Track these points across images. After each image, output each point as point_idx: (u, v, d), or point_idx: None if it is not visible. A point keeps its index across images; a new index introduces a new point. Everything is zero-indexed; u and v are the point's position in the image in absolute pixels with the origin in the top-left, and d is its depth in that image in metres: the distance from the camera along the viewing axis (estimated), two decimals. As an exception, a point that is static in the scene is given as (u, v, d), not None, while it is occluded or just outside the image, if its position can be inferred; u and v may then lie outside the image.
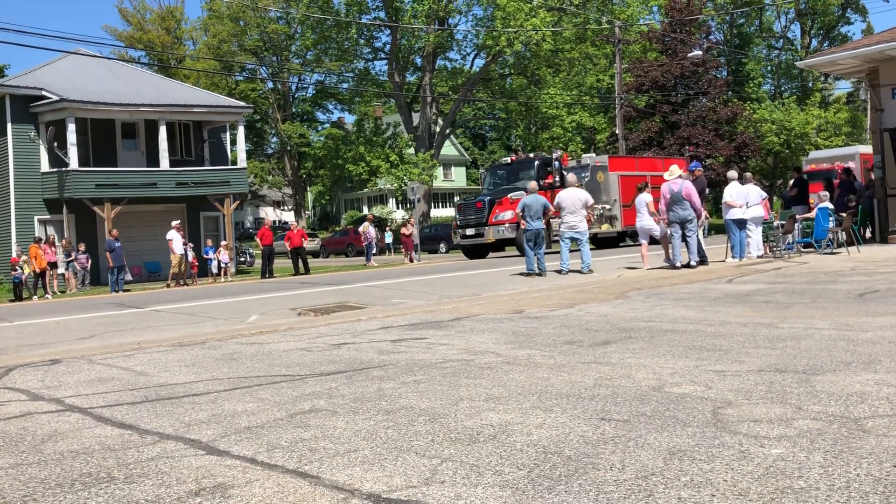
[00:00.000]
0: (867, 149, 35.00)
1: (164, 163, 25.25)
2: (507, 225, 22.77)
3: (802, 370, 4.40)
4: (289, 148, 57.31)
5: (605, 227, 25.50)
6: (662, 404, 3.69)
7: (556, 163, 23.39)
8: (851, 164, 31.35)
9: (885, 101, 16.00)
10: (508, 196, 22.92)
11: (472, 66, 47.86)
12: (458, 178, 67.25)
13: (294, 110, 61.51)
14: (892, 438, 2.93)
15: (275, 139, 60.90)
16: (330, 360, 5.72)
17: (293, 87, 59.78)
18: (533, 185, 15.34)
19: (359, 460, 3.01)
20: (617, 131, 37.00)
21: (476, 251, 24.74)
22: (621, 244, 27.68)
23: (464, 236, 24.51)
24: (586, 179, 24.02)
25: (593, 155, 28.29)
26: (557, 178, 22.61)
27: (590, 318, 7.63)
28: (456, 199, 54.90)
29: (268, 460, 3.07)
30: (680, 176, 13.61)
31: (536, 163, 24.35)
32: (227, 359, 6.09)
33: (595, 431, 3.24)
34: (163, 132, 25.24)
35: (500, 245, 24.47)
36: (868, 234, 17.07)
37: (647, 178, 23.45)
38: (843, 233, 14.62)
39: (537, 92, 45.60)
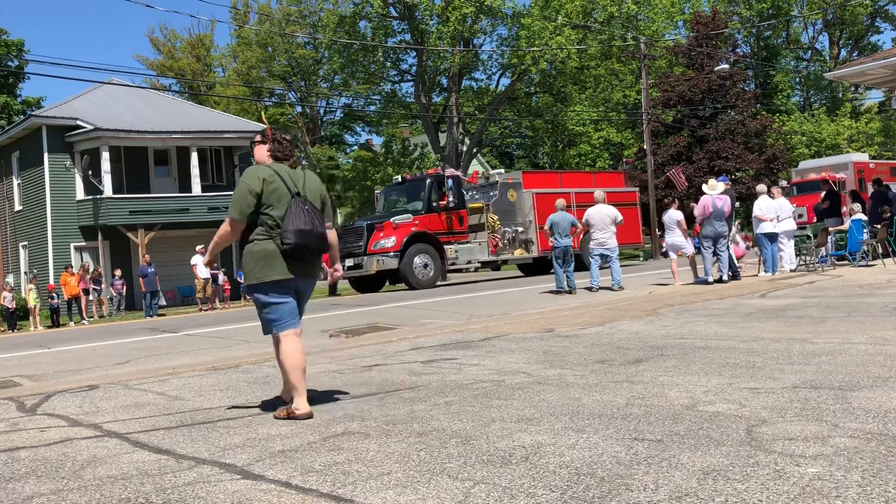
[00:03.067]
0: (861, 157, 34.32)
1: (196, 188, 25.64)
2: (391, 254, 19.53)
3: (838, 386, 4.35)
4: (318, 171, 57.86)
5: (517, 253, 22.24)
6: (696, 423, 3.66)
7: (450, 181, 20.70)
8: (844, 174, 30.79)
9: (918, 111, 15.76)
10: (392, 220, 20.09)
11: (497, 85, 48.06)
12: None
13: (322, 133, 62.19)
14: (932, 456, 2.88)
15: (304, 162, 61.58)
16: (362, 382, 5.76)
17: (321, 111, 60.45)
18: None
19: (392, 483, 3.03)
20: (645, 146, 36.82)
21: (366, 284, 21.08)
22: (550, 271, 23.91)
23: (346, 268, 20.55)
24: (494, 198, 21.77)
25: (502, 171, 25.55)
26: (452, 199, 20.44)
27: (621, 336, 7.60)
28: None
29: (302, 484, 3.10)
30: (725, 192, 13.44)
31: (428, 182, 21.05)
32: (261, 382, 6.15)
33: (628, 452, 3.22)
34: (194, 158, 25.66)
35: (394, 277, 20.43)
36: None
37: (570, 195, 21.82)
38: (878, 245, 14.40)
39: (563, 109, 45.64)
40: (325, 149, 59.19)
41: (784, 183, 33.44)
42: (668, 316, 9.36)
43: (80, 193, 25.21)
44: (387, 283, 21.47)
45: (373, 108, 54.86)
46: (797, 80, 55.60)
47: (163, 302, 22.77)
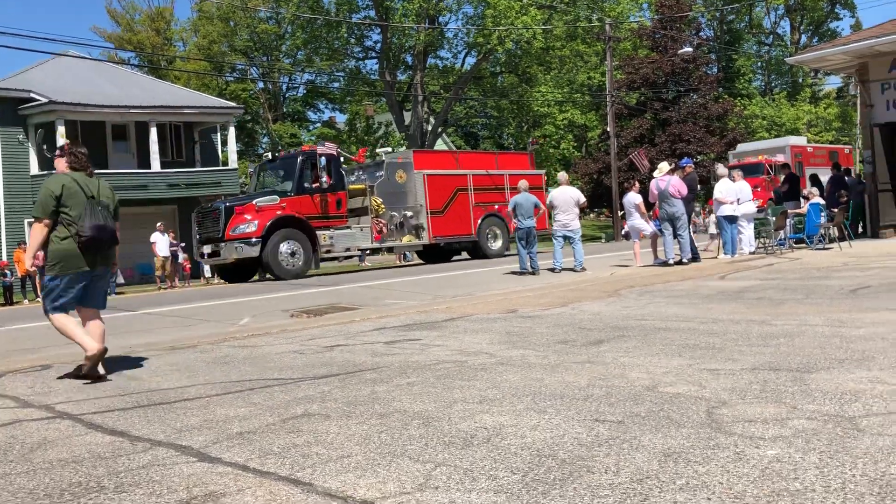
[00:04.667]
0: (799, 140, 34.77)
1: (155, 164, 25.17)
2: (252, 240, 17.32)
3: (796, 368, 4.40)
4: (280, 148, 57.19)
5: (406, 240, 20.47)
6: (657, 405, 3.67)
7: (322, 159, 18.62)
8: (781, 157, 31.15)
9: (875, 97, 16.06)
10: (254, 202, 18.04)
11: (463, 64, 47.84)
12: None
13: (285, 110, 61.39)
14: (887, 437, 2.92)
15: (266, 139, 60.77)
16: (323, 362, 5.69)
17: (284, 87, 59.65)
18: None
19: (352, 466, 2.98)
20: (608, 129, 37.01)
21: (235, 272, 18.95)
22: (452, 258, 22.48)
23: (201, 255, 19.04)
24: (381, 179, 20.04)
25: (389, 149, 22.73)
26: (326, 179, 18.49)
27: (583, 316, 7.62)
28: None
29: (260, 467, 3.04)
30: (669, 172, 13.62)
31: (300, 160, 18.82)
32: (219, 362, 6.05)
33: (589, 433, 3.22)
34: (153, 134, 25.16)
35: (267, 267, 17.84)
36: (860, 230, 17.10)
37: (467, 177, 21.11)
38: (835, 228, 14.66)
39: (528, 90, 45.59)
40: (287, 126, 58.47)
41: (720, 167, 33.79)
42: (629, 297, 9.42)
43: (34, 168, 24.57)
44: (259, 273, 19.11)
45: (336, 84, 54.32)
46: (759, 64, 56.26)
47: (121, 280, 22.34)
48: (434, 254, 22.20)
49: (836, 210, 15.09)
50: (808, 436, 3.00)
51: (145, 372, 5.79)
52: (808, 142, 40.13)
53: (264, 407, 4.21)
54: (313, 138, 56.15)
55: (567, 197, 14.41)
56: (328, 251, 18.72)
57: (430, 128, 47.44)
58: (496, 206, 21.64)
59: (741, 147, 35.31)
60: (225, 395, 4.67)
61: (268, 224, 17.47)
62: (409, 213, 20.45)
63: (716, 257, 14.45)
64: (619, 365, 4.79)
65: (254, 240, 17.35)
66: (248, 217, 17.72)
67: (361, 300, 11.72)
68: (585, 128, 48.86)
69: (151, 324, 10.35)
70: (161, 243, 21.87)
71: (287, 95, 60.32)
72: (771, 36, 56.96)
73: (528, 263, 14.23)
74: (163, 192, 25.20)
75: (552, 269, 14.32)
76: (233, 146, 27.93)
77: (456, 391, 4.30)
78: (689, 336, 5.88)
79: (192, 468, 3.09)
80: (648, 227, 14.30)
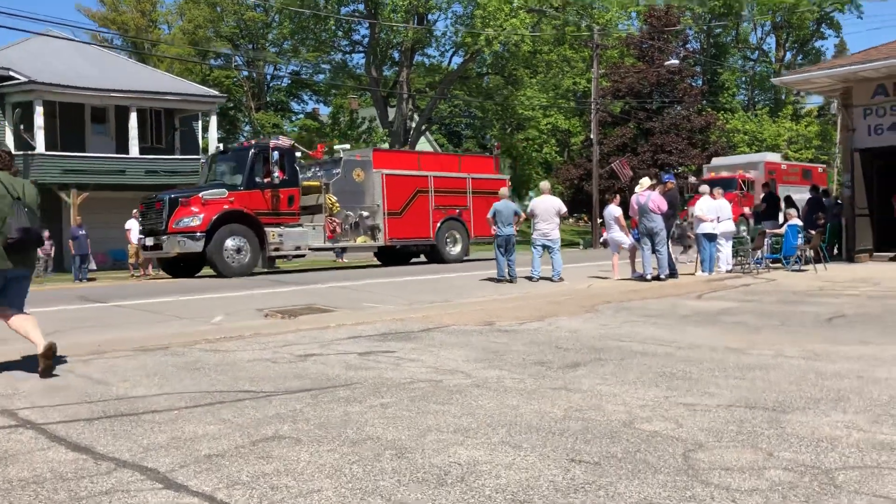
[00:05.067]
0: (774, 157, 35.02)
1: (134, 150, 24.85)
2: (196, 234, 16.80)
3: (772, 407, 4.38)
4: (262, 137, 56.75)
5: (360, 240, 19.82)
6: (633, 444, 3.64)
7: (276, 153, 17.99)
8: (755, 173, 31.38)
9: (857, 121, 16.20)
10: (201, 195, 17.48)
11: (450, 62, 47.79)
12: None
13: (268, 99, 60.93)
14: (864, 497, 2.90)
15: (247, 127, 60.29)
16: (296, 374, 5.61)
17: (268, 76, 59.21)
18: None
19: (322, 502, 2.91)
20: (592, 136, 37.10)
21: (180, 267, 18.32)
22: (411, 260, 21.79)
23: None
24: (337, 177, 19.30)
25: (347, 146, 22.72)
26: (279, 174, 17.81)
27: (560, 333, 7.59)
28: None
29: (227, 499, 2.96)
30: (650, 187, 13.64)
31: (252, 153, 18.18)
32: (190, 368, 5.95)
33: (565, 476, 3.17)
34: (133, 119, 24.83)
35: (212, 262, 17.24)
36: (836, 251, 17.24)
37: (428, 178, 20.68)
38: (811, 250, 14.77)
39: (514, 92, 45.59)
40: (269, 115, 58.03)
41: (693, 179, 33.92)
42: (605, 313, 9.42)
43: (9, 148, 24.15)
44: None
45: (322, 76, 53.97)
46: (743, 79, 56.70)
47: (93, 266, 22.04)
48: (391, 255, 21.70)
49: (813, 232, 15.21)
50: (784, 490, 2.97)
51: (114, 375, 5.67)
52: (784, 159, 40.50)
53: (234, 425, 4.12)
54: (296, 129, 55.81)
55: (548, 206, 14.38)
56: (277, 249, 18.18)
57: (413, 125, 47.34)
58: (457, 210, 21.35)
59: (716, 161, 35.34)
60: (195, 407, 4.57)
61: (213, 218, 16.91)
62: (365, 214, 19.83)
63: (693, 274, 14.50)
64: (595, 394, 4.76)
65: (198, 234, 16.82)
66: (195, 210, 17.14)
67: (338, 302, 11.62)
68: (569, 133, 48.97)
69: (122, 318, 10.18)
70: (136, 230, 21.58)
71: (271, 85, 59.87)
72: (756, 51, 57.47)
73: (507, 271, 14.19)
74: (140, 179, 24.89)
75: (529, 278, 14.29)
76: (214, 135, 27.64)
77: (430, 417, 4.24)
78: (666, 362, 5.86)
79: (157, 497, 3.00)
80: (627, 241, 14.31)
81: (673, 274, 13.68)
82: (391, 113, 46.83)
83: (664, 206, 13.23)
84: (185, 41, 52.55)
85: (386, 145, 44.46)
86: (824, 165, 40.04)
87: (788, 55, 55.90)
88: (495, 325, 8.34)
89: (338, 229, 19.01)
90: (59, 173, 23.51)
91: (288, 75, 59.09)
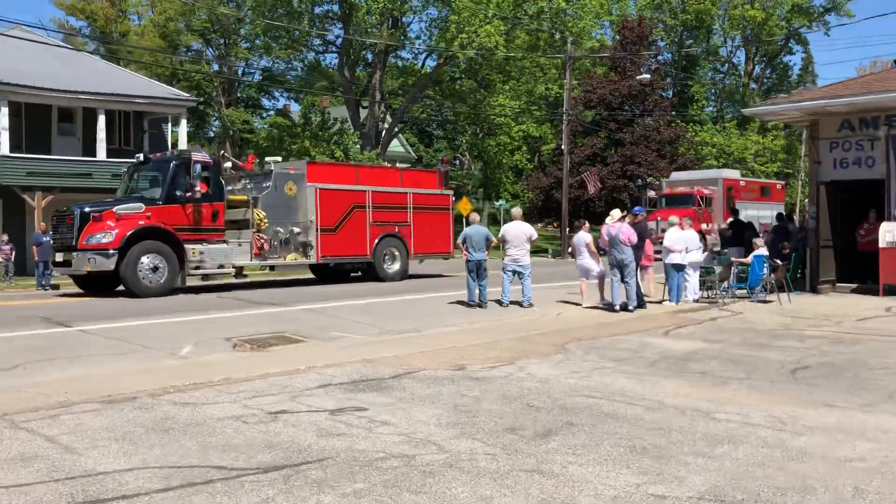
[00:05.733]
0: (732, 174, 35.58)
1: (101, 153, 24.46)
2: (109, 251, 15.95)
3: (741, 501, 4.45)
4: (231, 132, 56.22)
5: (291, 257, 19.02)
6: (606, 556, 3.67)
7: (198, 166, 17.13)
8: (713, 189, 31.84)
9: (823, 154, 16.50)
10: (115, 209, 16.55)
11: (423, 65, 47.74)
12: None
13: (239, 95, 60.36)
14: None
15: (217, 123, 59.70)
16: (266, 441, 5.57)
17: (239, 72, 58.59)
18: (474, 216, 15.35)
19: None
20: (563, 146, 37.30)
21: (94, 283, 17.30)
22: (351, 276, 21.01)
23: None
24: (267, 191, 18.51)
25: (279, 158, 21.73)
26: (201, 187, 17.02)
27: (531, 384, 7.63)
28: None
29: None
30: (621, 219, 13.79)
31: (172, 165, 17.26)
32: (160, 430, 5.88)
33: None
34: (101, 121, 24.46)
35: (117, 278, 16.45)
36: (799, 275, 17.52)
37: (366, 193, 19.97)
38: (776, 281, 15.01)
39: (486, 97, 45.67)
40: (240, 111, 57.51)
41: (652, 193, 34.26)
42: (575, 354, 9.50)
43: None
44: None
45: (294, 73, 53.57)
46: (713, 91, 57.43)
47: (56, 273, 21.61)
48: (327, 271, 20.93)
49: (779, 262, 15.46)
50: None
51: (82, 440, 5.58)
52: (751, 174, 41.08)
53: (206, 520, 4.08)
54: (266, 126, 55.38)
55: (519, 232, 14.45)
56: (197, 267, 17.25)
57: (386, 127, 47.21)
58: (396, 228, 20.65)
59: (675, 175, 35.60)
60: (166, 492, 4.52)
61: (127, 235, 16.03)
62: (296, 230, 18.96)
63: (661, 302, 14.67)
64: (568, 481, 4.78)
65: (111, 251, 15.92)
66: (108, 225, 16.22)
67: (306, 329, 11.57)
68: (540, 140, 49.20)
69: (87, 347, 10.03)
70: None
71: (242, 81, 59.28)
72: (726, 64, 58.24)
73: (477, 296, 14.25)
74: (107, 182, 24.42)
75: (500, 303, 14.37)
76: (184, 138, 27.31)
77: (404, 511, 4.24)
78: (636, 432, 5.92)
79: None
80: (597, 268, 14.43)
81: (641, 304, 13.83)
82: (363, 114, 46.67)
83: (634, 238, 13.38)
84: (156, 33, 51.81)
85: (358, 147, 44.32)
86: (783, 182, 40.70)
87: (757, 69, 56.74)
88: (466, 370, 8.37)
89: (266, 246, 18.22)
90: (24, 175, 23.07)
91: (259, 71, 58.69)
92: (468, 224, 15.27)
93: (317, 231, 19.06)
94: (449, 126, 58.71)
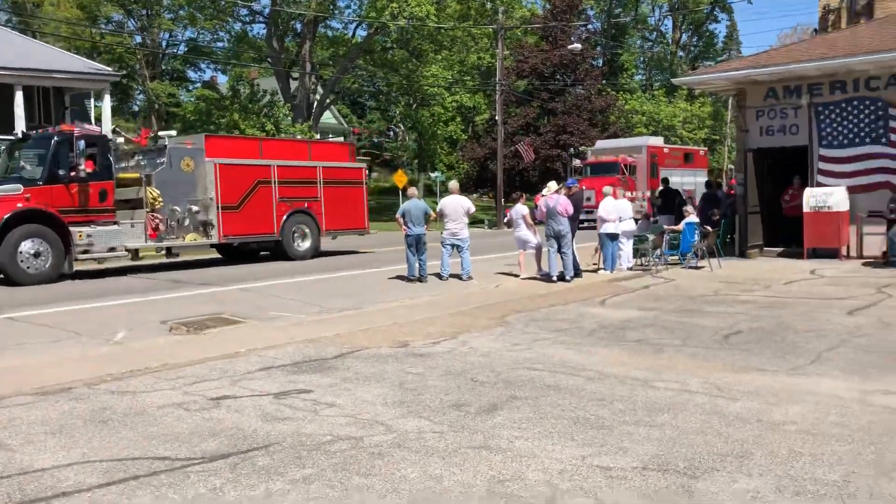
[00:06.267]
0: (656, 141, 36.18)
1: (20, 130, 23.35)
2: None
3: (683, 469, 4.58)
4: (157, 107, 54.56)
5: (190, 238, 17.76)
6: (557, 531, 3.74)
7: (82, 142, 15.78)
8: (638, 157, 32.42)
9: (750, 123, 16.93)
10: None
11: (353, 34, 47.03)
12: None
13: (164, 67, 58.53)
14: None
15: (142, 96, 57.85)
16: (210, 429, 5.48)
17: (163, 44, 56.73)
18: (412, 190, 15.30)
19: None
20: (496, 116, 37.35)
21: None
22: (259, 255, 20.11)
23: None
24: (161, 168, 17.34)
25: (173, 133, 20.51)
26: (87, 165, 15.80)
27: (474, 360, 7.69)
28: None
29: None
30: (557, 191, 13.93)
31: (54, 142, 15.90)
32: (98, 420, 5.72)
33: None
34: (19, 97, 23.35)
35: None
36: (728, 239, 18.01)
37: (271, 168, 18.97)
38: (706, 248, 15.41)
39: (419, 67, 45.34)
40: (165, 84, 55.82)
41: (577, 162, 34.69)
42: (516, 327, 9.60)
43: None
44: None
45: (221, 45, 52.18)
46: (642, 60, 58.22)
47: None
48: (235, 251, 19.94)
49: (709, 228, 15.86)
50: None
51: (16, 435, 5.39)
52: (680, 141, 41.84)
53: (153, 514, 4.01)
54: (193, 99, 53.86)
55: (457, 205, 14.47)
56: (86, 251, 16.14)
57: (317, 98, 46.47)
58: (306, 203, 19.78)
59: (600, 144, 35.74)
60: (108, 486, 4.41)
61: (5, 218, 14.84)
62: (195, 208, 17.80)
63: (596, 271, 14.92)
64: (515, 455, 4.85)
65: None
66: None
67: (244, 310, 11.39)
68: (474, 110, 49.17)
69: (17, 336, 9.66)
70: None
71: (166, 53, 57.44)
72: (655, 33, 59.05)
73: (417, 271, 14.24)
74: (27, 160, 23.49)
75: (439, 276, 14.39)
76: (108, 115, 26.30)
77: (355, 495, 4.23)
78: (579, 403, 6.02)
79: None
80: (535, 240, 14.57)
81: (578, 274, 14.04)
82: (293, 85, 45.81)
83: (571, 210, 13.54)
84: (73, 4, 49.61)
85: (289, 119, 43.56)
86: (706, 149, 41.51)
87: (685, 37, 57.71)
88: (410, 347, 8.38)
89: (161, 226, 17.10)
90: (-64, 155, 21.91)
91: (184, 43, 56.95)
92: (406, 198, 15.20)
93: (218, 209, 17.99)
94: (382, 97, 58.13)
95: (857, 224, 15.41)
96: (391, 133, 63.80)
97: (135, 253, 17.37)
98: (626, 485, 4.36)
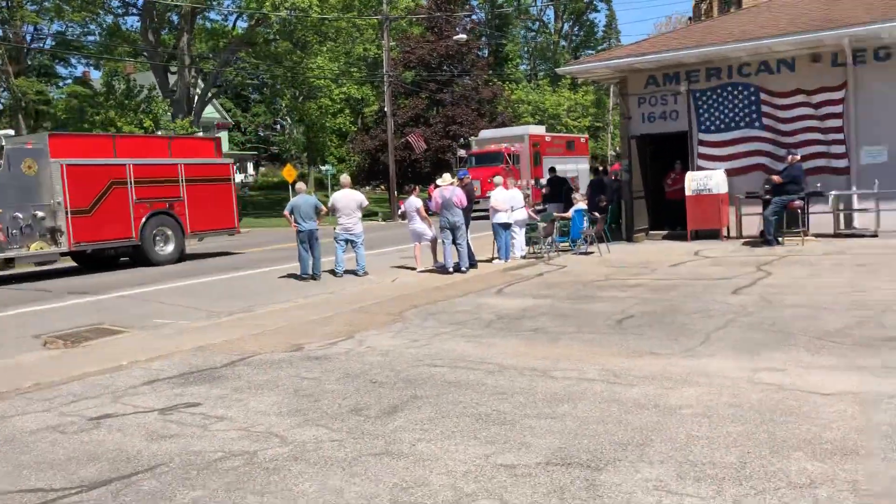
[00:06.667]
0: (538, 130, 36.95)
1: None
2: None
3: (586, 462, 4.54)
4: (24, 105, 51.32)
5: (35, 247, 16.34)
6: (464, 539, 3.62)
7: None
8: (521, 146, 33.05)
9: (633, 109, 17.37)
10: None
11: (234, 26, 45.60)
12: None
13: (29, 62, 55.09)
14: None
15: (6, 94, 54.27)
16: (90, 454, 5.07)
17: (28, 38, 53.39)
18: (301, 185, 14.92)
19: None
20: (385, 108, 37.04)
21: None
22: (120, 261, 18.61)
23: None
24: (0, 171, 15.87)
25: (11, 132, 17.72)
26: None
27: (372, 360, 7.49)
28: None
29: None
30: (452, 183, 13.88)
31: None
32: (-40, 452, 5.21)
33: None
34: None
35: None
36: (614, 225, 18.46)
37: (126, 167, 17.72)
38: (596, 233, 15.72)
39: (304, 58, 44.42)
40: (32, 81, 52.53)
41: (462, 152, 34.95)
42: (414, 322, 9.46)
43: None
44: None
45: (92, 39, 49.54)
46: (526, 50, 59.12)
47: None
48: (90, 259, 18.52)
49: (598, 215, 16.19)
50: None
51: None
52: (557, 130, 42.64)
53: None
54: (64, 96, 50.97)
55: (349, 200, 14.20)
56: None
57: (198, 92, 44.84)
58: (167, 204, 18.60)
59: (483, 134, 35.87)
60: (-30, 528, 3.99)
61: None
62: (40, 214, 16.36)
63: (491, 261, 14.96)
64: (418, 460, 4.70)
65: None
66: None
67: (126, 318, 10.80)
68: (362, 102, 48.68)
69: None
70: None
71: (31, 47, 54.08)
72: (537, 23, 60.11)
73: (311, 268, 13.89)
74: None
75: (334, 273, 14.10)
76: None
77: (250, 516, 3.99)
78: (480, 399, 5.93)
79: None
80: (430, 233, 14.48)
81: (473, 265, 14.03)
82: (172, 80, 44.03)
83: (465, 201, 13.51)
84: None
85: (169, 115, 41.85)
86: (587, 136, 42.49)
87: (566, 26, 58.98)
88: (305, 350, 8.10)
89: (1, 235, 15.80)
90: None
91: (52, 37, 53.75)
92: (295, 193, 14.80)
93: (67, 214, 16.60)
94: (266, 89, 56.71)
95: (735, 205, 16.05)
96: (278, 126, 62.44)
97: None
98: (530, 482, 4.28)
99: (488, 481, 4.33)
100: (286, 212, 14.07)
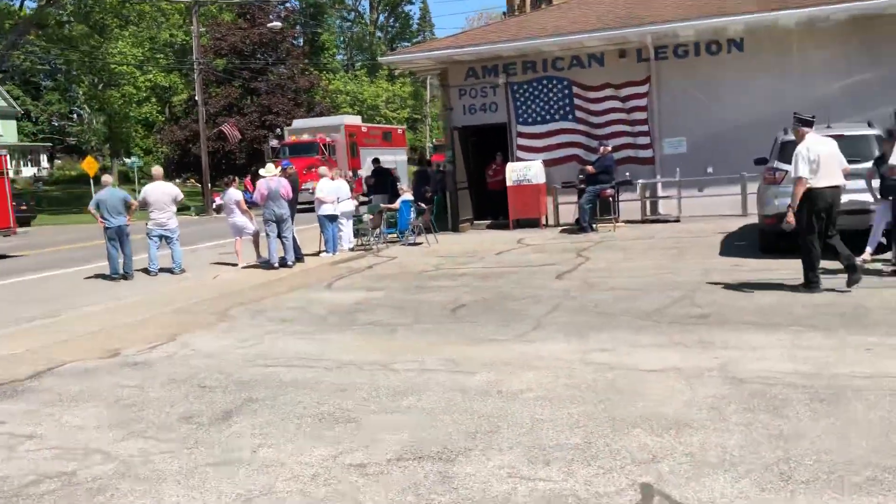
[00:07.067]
0: (353, 120, 36.96)
1: None
2: None
3: (438, 454, 4.46)
4: None
5: None
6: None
7: None
8: (336, 136, 33.04)
9: (454, 101, 17.62)
10: None
11: (21, 6, 41.69)
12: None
13: None
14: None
15: None
16: None
17: None
18: (107, 178, 13.85)
19: None
20: (196, 97, 35.29)
21: None
22: None
23: None
24: None
25: None
26: None
27: (199, 362, 7.03)
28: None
29: None
30: (289, 175, 13.41)
31: None
32: None
33: None
34: None
35: None
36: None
37: None
38: (423, 224, 15.81)
39: (103, 43, 41.42)
40: None
41: (275, 143, 34.25)
42: (241, 321, 9.02)
43: None
44: None
45: None
46: (342, 40, 58.61)
47: None
48: None
49: (424, 206, 16.27)
50: None
51: None
52: (376, 121, 42.60)
53: None
54: None
55: (162, 193, 13.33)
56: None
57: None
58: None
59: (296, 123, 34.84)
60: None
61: None
62: None
63: (318, 254, 14.63)
64: (261, 465, 4.41)
65: None
66: None
67: None
68: (170, 90, 46.18)
69: None
70: None
71: None
72: (353, 13, 59.76)
73: (122, 267, 12.91)
74: None
75: (148, 272, 13.20)
76: None
77: (74, 546, 3.55)
78: (321, 398, 5.71)
79: None
80: (252, 227, 13.90)
81: (299, 258, 13.65)
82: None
83: (291, 193, 13.10)
84: None
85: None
86: (404, 127, 42.79)
87: (382, 18, 59.09)
88: (122, 355, 7.47)
89: None
90: None
91: None
92: (100, 187, 13.70)
93: None
94: (61, 76, 52.37)
95: (553, 195, 16.72)
96: (75, 116, 57.94)
97: None
98: (383, 480, 4.14)
99: (339, 483, 4.14)
100: (91, 207, 12.98)
